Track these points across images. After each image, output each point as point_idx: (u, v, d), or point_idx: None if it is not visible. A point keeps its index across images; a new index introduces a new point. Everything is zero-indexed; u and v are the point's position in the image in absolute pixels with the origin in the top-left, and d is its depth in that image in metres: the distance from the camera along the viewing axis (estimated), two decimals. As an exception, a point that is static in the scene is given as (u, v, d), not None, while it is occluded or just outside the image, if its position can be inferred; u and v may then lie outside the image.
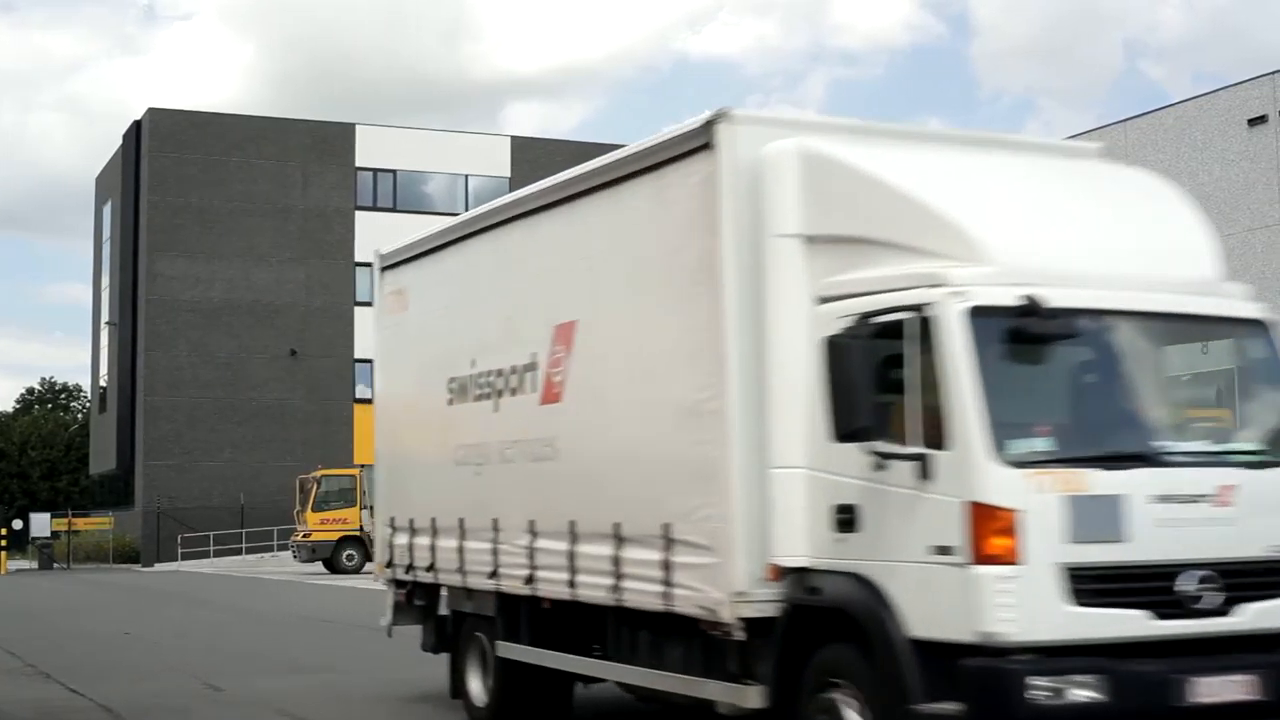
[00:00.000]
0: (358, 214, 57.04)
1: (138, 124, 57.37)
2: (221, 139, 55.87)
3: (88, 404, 79.29)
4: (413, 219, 57.57)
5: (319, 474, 42.00)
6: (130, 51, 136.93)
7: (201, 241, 54.95)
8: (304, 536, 41.13)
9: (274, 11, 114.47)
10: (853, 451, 7.59)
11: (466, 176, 58.47)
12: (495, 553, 10.68)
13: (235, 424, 54.48)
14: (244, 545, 52.29)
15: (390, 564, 12.65)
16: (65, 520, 55.17)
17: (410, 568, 12.23)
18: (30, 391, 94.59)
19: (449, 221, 12.43)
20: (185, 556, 50.82)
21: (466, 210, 60.44)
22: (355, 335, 56.05)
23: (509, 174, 58.16)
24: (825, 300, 8.01)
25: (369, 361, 55.69)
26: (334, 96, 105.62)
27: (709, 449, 8.34)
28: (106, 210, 61.96)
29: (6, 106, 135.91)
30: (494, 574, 10.70)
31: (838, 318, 7.79)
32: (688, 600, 8.49)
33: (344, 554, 40.80)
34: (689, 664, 8.84)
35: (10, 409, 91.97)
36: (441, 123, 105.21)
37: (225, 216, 55.36)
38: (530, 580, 10.21)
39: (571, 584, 9.69)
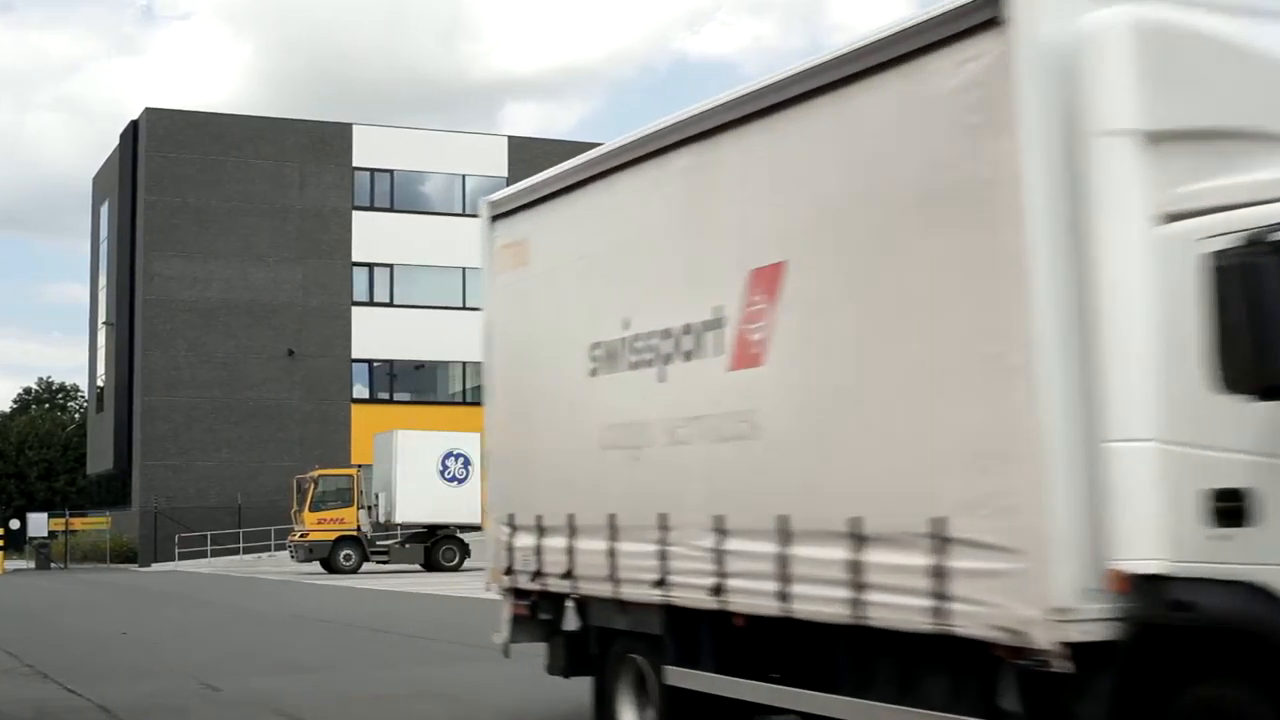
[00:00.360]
0: (355, 214, 56.53)
1: (135, 124, 56.53)
2: (219, 139, 55.11)
3: (85, 404, 79.22)
4: (410, 219, 57.66)
5: (316, 474, 41.55)
6: (128, 51, 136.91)
7: (199, 241, 54.28)
8: (301, 536, 40.79)
9: (272, 11, 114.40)
10: (1243, 417, 5.65)
11: (464, 176, 58.24)
12: (663, 556, 8.52)
13: (233, 424, 53.83)
14: (241, 545, 51.66)
15: (510, 570, 10.35)
16: (62, 520, 54.45)
17: (538, 575, 9.97)
18: (28, 391, 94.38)
19: (578, 159, 10.01)
20: (182, 556, 49.84)
21: (464, 211, 60.03)
22: (353, 335, 56.07)
23: (506, 174, 58.21)
24: (1178, 216, 6.00)
25: (366, 361, 56.35)
26: (332, 96, 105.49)
27: (1009, 418, 6.24)
28: (104, 210, 61.51)
29: (5, 106, 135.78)
30: (662, 583, 8.53)
31: (1205, 237, 5.84)
32: (975, 618, 6.38)
33: (341, 554, 40.59)
34: (962, 700, 6.71)
35: (8, 409, 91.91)
36: (440, 123, 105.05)
37: (222, 216, 54.66)
38: (719, 591, 8.02)
39: (783, 596, 7.50)
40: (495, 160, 58.03)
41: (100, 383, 61.78)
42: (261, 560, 49.94)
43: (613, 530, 9.06)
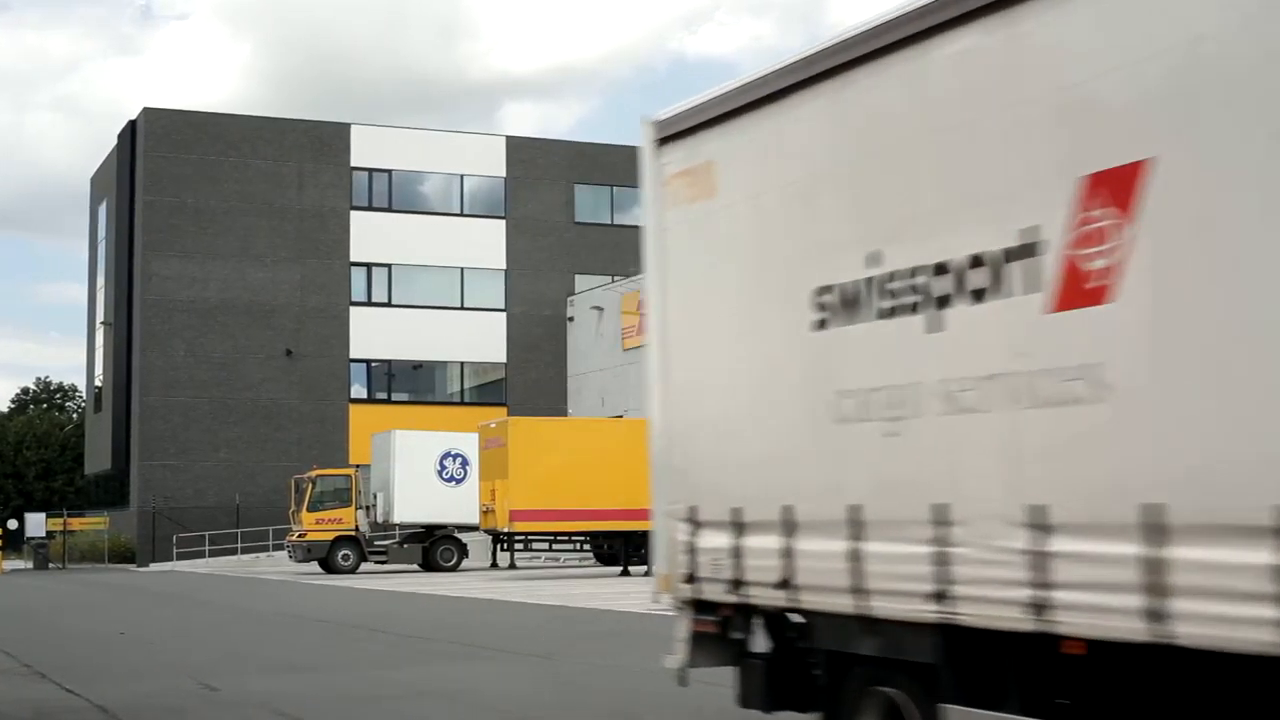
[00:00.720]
0: (353, 214, 56.35)
1: (133, 124, 56.42)
2: (217, 139, 55.02)
3: (83, 404, 79.20)
4: (408, 219, 57.65)
5: (314, 474, 41.36)
6: (126, 51, 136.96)
7: (197, 241, 54.16)
8: (299, 536, 40.69)
9: (270, 11, 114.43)
10: None
11: (462, 176, 58.24)
12: (942, 561, 6.49)
13: (231, 424, 53.76)
14: (239, 545, 51.48)
15: (692, 578, 8.25)
16: (60, 520, 54.32)
17: (736, 584, 7.90)
18: (25, 391, 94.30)
19: (784, 60, 7.84)
20: (181, 556, 49.82)
21: (462, 211, 59.59)
22: (351, 335, 56.08)
23: (504, 174, 58.24)
24: None
25: (364, 361, 56.46)
26: (331, 96, 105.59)
27: None
28: (102, 210, 61.43)
29: (3, 106, 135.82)
30: (941, 596, 6.51)
31: None
32: None
33: (339, 554, 40.56)
34: None
35: (6, 409, 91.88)
36: (438, 122, 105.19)
37: (221, 216, 54.61)
38: (1041, 608, 5.97)
39: (1156, 615, 5.54)
40: (493, 160, 58.04)
41: (98, 383, 61.73)
42: (259, 560, 49.94)
43: (856, 527, 7.03)
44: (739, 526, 7.88)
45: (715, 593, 8.08)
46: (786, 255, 7.67)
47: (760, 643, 8.04)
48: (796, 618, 7.71)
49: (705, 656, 8.38)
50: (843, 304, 7.18)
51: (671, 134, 8.64)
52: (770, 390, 7.79)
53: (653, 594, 8.80)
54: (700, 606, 8.27)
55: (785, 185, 7.71)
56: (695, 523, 8.27)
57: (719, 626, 8.21)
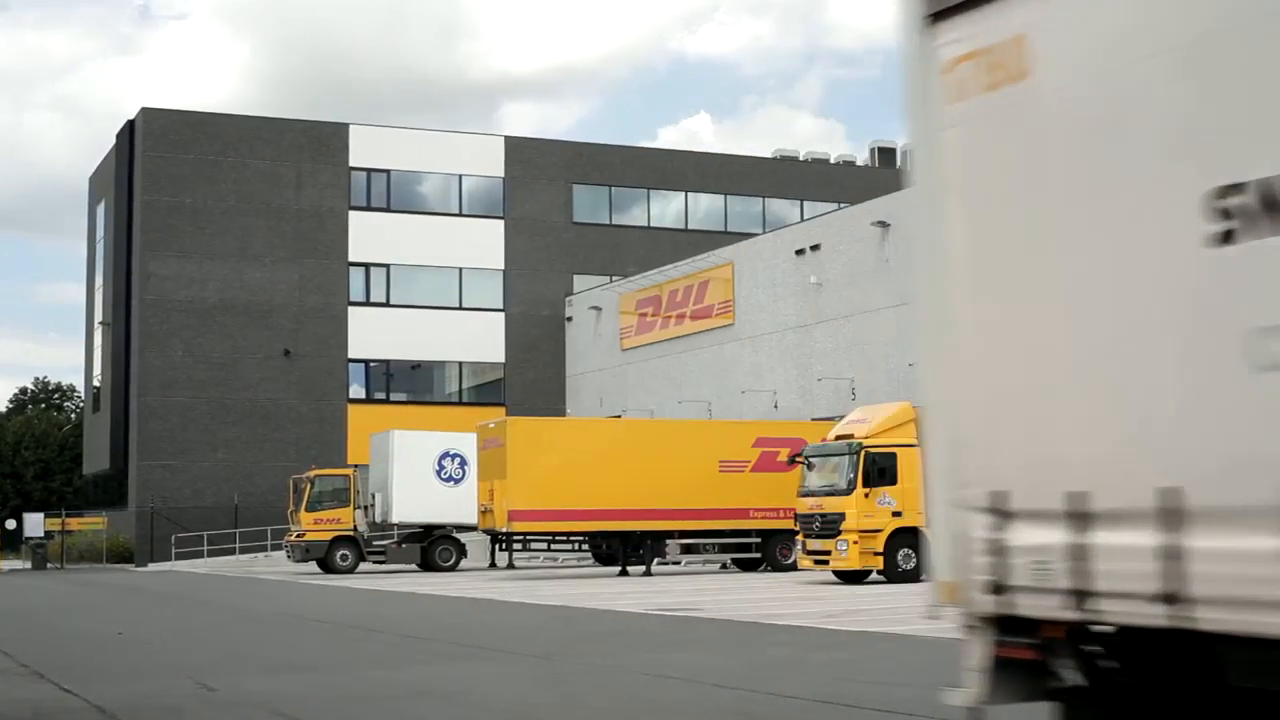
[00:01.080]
0: (351, 214, 56.43)
1: (131, 124, 56.51)
2: (215, 139, 55.09)
3: (81, 404, 79.19)
4: (407, 219, 57.64)
5: (312, 474, 41.33)
6: (125, 51, 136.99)
7: (195, 241, 54.23)
8: (298, 536, 40.66)
9: (269, 11, 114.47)
10: None
11: (460, 176, 58.27)
12: None
13: (229, 424, 53.81)
14: (238, 545, 51.56)
15: (1000, 588, 6.07)
16: (59, 520, 54.45)
17: (1081, 596, 5.70)
18: (24, 391, 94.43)
19: None
20: (179, 556, 49.89)
21: (460, 211, 59.56)
22: (349, 335, 56.04)
23: (502, 174, 58.20)
24: None
25: (363, 361, 56.51)
26: (330, 96, 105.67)
27: None
28: (100, 210, 61.45)
29: (2, 106, 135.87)
30: None
31: None
32: None
33: (338, 554, 40.52)
34: None
35: (4, 409, 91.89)
36: (437, 122, 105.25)
37: (219, 216, 54.66)
38: None
39: None
40: (492, 160, 58.02)
41: (97, 383, 61.71)
42: (258, 560, 49.93)
43: None
44: (1082, 517, 5.78)
45: (1039, 607, 5.96)
46: (1157, 147, 5.54)
47: (1075, 676, 6.08)
48: (1104, 631, 5.94)
49: (1010, 690, 6.29)
50: (1264, 208, 5.09)
51: (952, 5, 6.48)
52: (1135, 330, 5.63)
53: (929, 607, 6.63)
54: (1006, 626, 6.20)
55: (1152, 52, 5.55)
56: (1003, 513, 6.18)
57: (1039, 651, 6.13)
